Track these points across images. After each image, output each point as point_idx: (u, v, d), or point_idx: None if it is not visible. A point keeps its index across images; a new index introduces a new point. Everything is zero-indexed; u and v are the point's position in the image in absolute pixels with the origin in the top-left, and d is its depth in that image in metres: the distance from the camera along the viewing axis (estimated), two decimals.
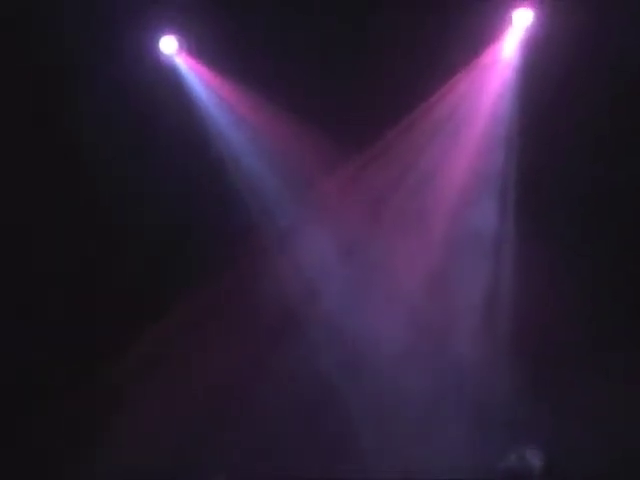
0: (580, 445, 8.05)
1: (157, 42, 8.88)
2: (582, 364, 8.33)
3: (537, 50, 8.37)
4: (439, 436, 8.60)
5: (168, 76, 8.94)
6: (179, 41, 8.90)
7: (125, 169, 8.91)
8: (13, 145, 8.75)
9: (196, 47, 8.91)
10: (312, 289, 9.00)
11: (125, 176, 8.91)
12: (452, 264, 8.81)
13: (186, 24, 8.77)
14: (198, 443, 8.71)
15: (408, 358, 8.66)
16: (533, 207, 8.69)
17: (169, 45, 8.90)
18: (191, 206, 9.02)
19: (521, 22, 8.41)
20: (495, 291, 8.81)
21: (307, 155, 8.87)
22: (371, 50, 8.54)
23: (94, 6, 8.55)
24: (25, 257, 8.90)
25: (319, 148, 8.78)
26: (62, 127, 8.87)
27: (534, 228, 8.62)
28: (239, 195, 9.00)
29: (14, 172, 8.72)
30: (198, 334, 8.85)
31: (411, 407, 8.73)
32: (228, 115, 9.05)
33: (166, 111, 8.79)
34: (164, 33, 8.86)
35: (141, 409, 8.70)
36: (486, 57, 8.55)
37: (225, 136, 9.06)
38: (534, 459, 5.64)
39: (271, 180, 9.07)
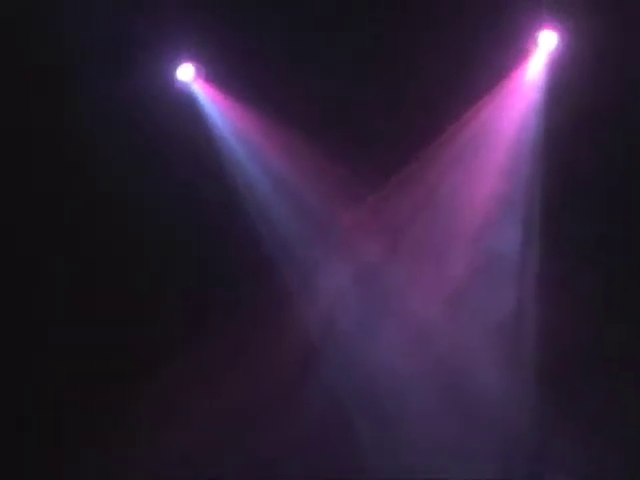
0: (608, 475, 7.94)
1: (174, 70, 8.77)
2: (610, 390, 8.23)
3: (562, 72, 8.31)
4: (461, 467, 8.46)
5: (185, 104, 8.81)
6: (196, 68, 8.78)
7: (141, 202, 8.79)
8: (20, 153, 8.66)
9: (213, 74, 8.78)
10: (330, 318, 8.86)
11: (141, 209, 8.78)
12: (474, 290, 8.68)
13: (203, 51, 8.68)
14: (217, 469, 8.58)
15: (429, 388, 8.55)
16: (557, 230, 8.57)
17: (186, 73, 8.79)
18: (208, 239, 8.86)
19: (546, 44, 8.32)
20: (519, 316, 8.65)
21: (326, 185, 8.77)
22: (394, 76, 8.45)
23: (111, 32, 8.48)
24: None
25: (339, 178, 8.69)
26: (79, 161, 8.76)
27: (558, 251, 8.49)
28: (255, 227, 8.87)
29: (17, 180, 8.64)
30: (216, 367, 8.69)
31: (431, 437, 8.55)
32: (245, 144, 8.92)
33: (183, 140, 8.70)
34: (181, 61, 8.77)
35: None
36: (511, 80, 8.46)
37: (241, 166, 8.93)
38: None
39: (288, 211, 8.93)
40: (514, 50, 8.32)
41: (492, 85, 8.44)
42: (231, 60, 8.61)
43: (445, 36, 8.21)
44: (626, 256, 8.49)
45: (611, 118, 8.21)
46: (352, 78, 8.60)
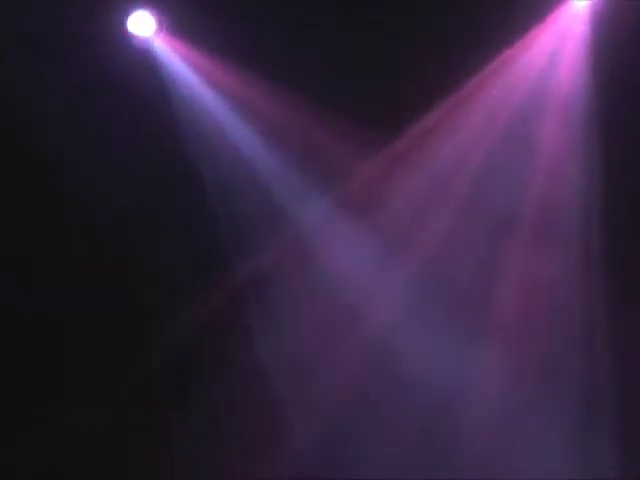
0: None
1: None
2: None
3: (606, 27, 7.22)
4: None
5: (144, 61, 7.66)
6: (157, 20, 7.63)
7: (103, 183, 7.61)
8: None
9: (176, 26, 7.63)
10: (352, 305, 7.60)
11: (109, 192, 7.62)
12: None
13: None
14: None
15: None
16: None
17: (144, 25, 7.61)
18: (197, 212, 7.71)
19: None
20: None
21: (327, 143, 7.62)
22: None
23: None
24: None
25: (342, 134, 7.53)
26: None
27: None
28: (248, 198, 7.73)
29: None
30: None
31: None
32: (228, 103, 7.77)
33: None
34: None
35: None
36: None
37: (224, 128, 7.77)
38: None
39: (287, 176, 7.75)
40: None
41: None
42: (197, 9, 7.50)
43: None
44: None
45: None
46: (342, 28, 7.48)
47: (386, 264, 7.65)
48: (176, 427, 7.51)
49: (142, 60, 7.59)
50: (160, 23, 7.61)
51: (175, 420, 7.51)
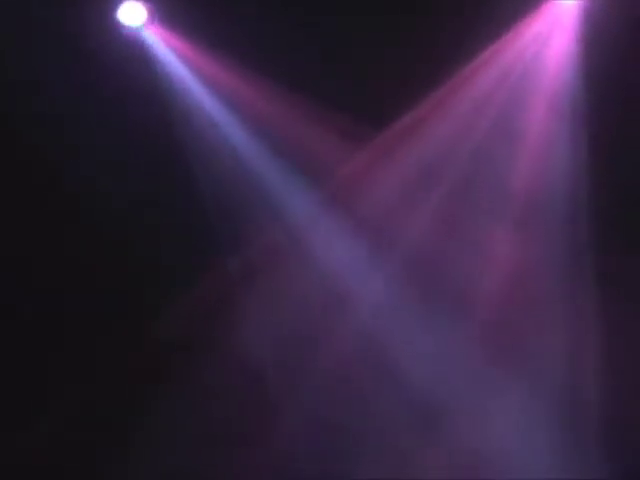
0: None
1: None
2: None
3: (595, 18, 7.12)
4: None
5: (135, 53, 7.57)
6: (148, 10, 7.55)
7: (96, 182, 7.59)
8: None
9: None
10: (339, 299, 7.57)
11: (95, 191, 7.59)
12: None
13: None
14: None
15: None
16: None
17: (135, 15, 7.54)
18: (188, 206, 7.68)
19: None
20: None
21: (315, 134, 7.55)
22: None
23: None
24: None
25: (329, 126, 7.48)
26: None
27: None
28: (239, 191, 7.69)
29: None
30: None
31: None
32: (218, 96, 7.71)
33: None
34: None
35: None
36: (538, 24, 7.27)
37: (215, 123, 7.72)
38: None
39: (274, 169, 7.70)
40: None
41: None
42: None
43: None
44: None
45: None
46: (338, 24, 7.39)
47: (373, 257, 7.61)
48: (169, 425, 7.53)
49: (133, 51, 7.52)
50: (151, 14, 7.53)
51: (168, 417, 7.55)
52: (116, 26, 7.50)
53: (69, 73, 7.41)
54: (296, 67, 7.35)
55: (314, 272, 7.58)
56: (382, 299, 7.58)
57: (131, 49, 7.53)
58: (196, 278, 7.61)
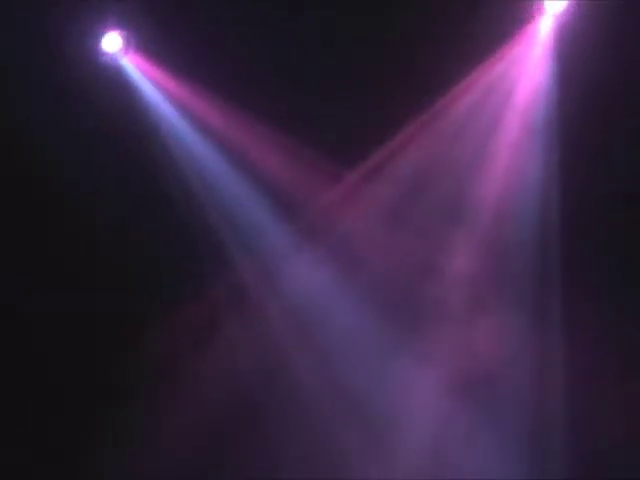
0: None
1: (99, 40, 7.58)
2: None
3: (570, 40, 7.29)
4: None
5: (114, 79, 7.66)
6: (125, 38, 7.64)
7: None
8: None
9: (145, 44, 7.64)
10: (305, 332, 7.65)
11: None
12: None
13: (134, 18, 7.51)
14: None
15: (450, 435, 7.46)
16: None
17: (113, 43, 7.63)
18: (154, 237, 7.71)
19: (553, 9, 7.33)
20: None
21: (290, 168, 7.63)
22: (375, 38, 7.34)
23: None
24: None
25: (304, 160, 7.58)
26: None
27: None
28: (209, 223, 7.73)
29: None
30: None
31: None
32: (193, 126, 7.78)
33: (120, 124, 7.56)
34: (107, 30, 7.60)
35: None
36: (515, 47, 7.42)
37: (190, 151, 7.79)
38: None
39: (249, 201, 7.78)
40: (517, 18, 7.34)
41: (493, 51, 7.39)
42: (167, 27, 7.49)
43: None
44: None
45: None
46: (319, 46, 7.47)
47: (341, 285, 7.69)
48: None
49: (112, 77, 7.59)
50: (128, 42, 7.61)
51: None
52: (95, 53, 7.56)
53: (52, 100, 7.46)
54: (271, 98, 7.44)
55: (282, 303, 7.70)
56: (349, 327, 7.69)
57: (109, 75, 7.60)
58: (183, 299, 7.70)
